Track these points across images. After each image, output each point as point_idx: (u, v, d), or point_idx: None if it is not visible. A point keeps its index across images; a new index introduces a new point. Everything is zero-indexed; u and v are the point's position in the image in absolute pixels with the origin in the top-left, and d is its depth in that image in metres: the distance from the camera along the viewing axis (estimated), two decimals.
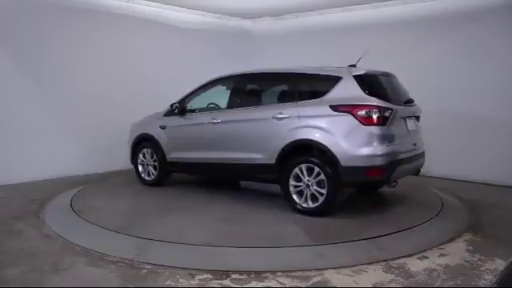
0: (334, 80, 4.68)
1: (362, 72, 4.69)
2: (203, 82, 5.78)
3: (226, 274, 3.32)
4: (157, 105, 6.22)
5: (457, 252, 3.83)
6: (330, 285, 3.17)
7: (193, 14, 8.40)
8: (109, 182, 6.58)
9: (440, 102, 6.67)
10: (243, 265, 3.48)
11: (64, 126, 6.89)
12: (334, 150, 4.43)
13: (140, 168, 6.25)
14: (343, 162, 4.39)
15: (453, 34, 6.79)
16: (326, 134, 4.49)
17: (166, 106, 6.00)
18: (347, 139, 4.42)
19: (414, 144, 4.93)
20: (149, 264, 3.49)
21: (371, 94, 4.50)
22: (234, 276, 3.29)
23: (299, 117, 4.71)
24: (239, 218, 4.62)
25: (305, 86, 4.99)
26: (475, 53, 6.57)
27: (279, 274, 3.32)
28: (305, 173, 4.64)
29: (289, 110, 4.80)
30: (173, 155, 5.87)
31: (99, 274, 3.35)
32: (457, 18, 6.74)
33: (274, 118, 4.87)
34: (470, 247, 3.95)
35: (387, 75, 5.02)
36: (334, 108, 4.51)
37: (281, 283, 3.18)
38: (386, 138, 4.43)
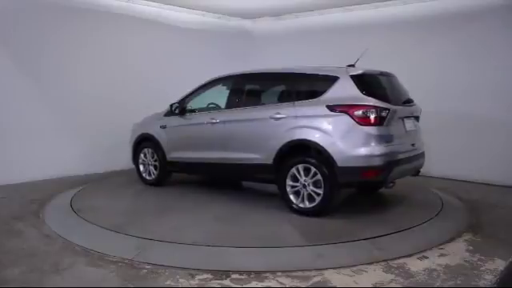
0: (331, 80, 4.67)
1: (359, 72, 4.67)
2: (203, 82, 5.79)
3: (226, 273, 3.32)
4: (157, 105, 6.23)
5: (457, 252, 3.83)
6: (329, 285, 3.17)
7: (193, 13, 8.40)
8: (109, 181, 6.58)
9: (440, 101, 6.68)
10: (243, 265, 3.48)
11: (64, 126, 6.89)
12: (330, 150, 4.42)
13: (141, 167, 6.28)
14: (339, 163, 4.38)
15: (453, 34, 6.79)
16: (323, 134, 4.49)
17: (165, 106, 6.00)
18: (343, 139, 4.41)
19: (413, 144, 4.89)
20: (149, 264, 3.49)
21: (368, 93, 4.49)
22: (234, 276, 3.29)
23: (296, 117, 4.71)
24: (236, 218, 4.63)
25: (302, 86, 4.99)
26: (475, 53, 6.57)
27: (279, 273, 3.32)
28: (302, 173, 4.64)
29: (286, 110, 4.79)
30: (173, 155, 5.88)
31: (99, 273, 3.35)
32: (457, 18, 6.74)
33: (272, 118, 4.87)
34: (470, 247, 3.95)
35: (386, 75, 5.00)
36: (331, 108, 4.50)
37: (281, 283, 3.18)
38: (382, 139, 4.41)
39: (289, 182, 4.73)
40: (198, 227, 4.30)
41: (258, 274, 3.30)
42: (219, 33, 8.83)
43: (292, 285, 3.16)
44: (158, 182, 6.10)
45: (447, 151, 6.67)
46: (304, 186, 4.63)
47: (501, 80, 6.35)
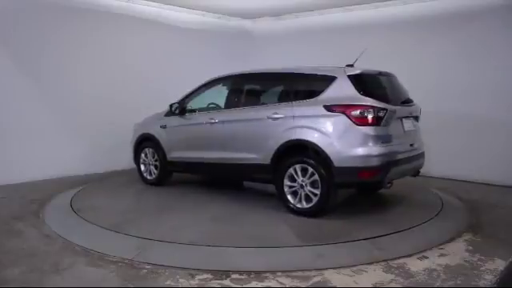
0: (328, 80, 4.66)
1: (356, 72, 4.66)
2: (203, 82, 5.80)
3: (226, 273, 3.32)
4: (157, 105, 6.23)
5: (457, 252, 3.82)
6: (330, 285, 3.17)
7: (193, 13, 8.40)
8: (110, 181, 6.59)
9: (440, 101, 6.68)
10: (243, 265, 3.48)
11: (64, 126, 6.89)
12: (327, 150, 4.41)
13: (142, 167, 6.30)
14: (336, 163, 4.37)
15: (453, 34, 6.79)
16: (320, 135, 4.48)
17: (165, 106, 6.01)
18: (340, 139, 4.39)
19: (411, 145, 4.87)
20: (149, 264, 3.49)
21: (366, 93, 4.47)
22: (234, 276, 3.29)
23: (294, 117, 4.70)
24: (233, 218, 4.64)
25: (300, 86, 4.99)
26: (475, 53, 6.57)
27: (279, 273, 3.32)
28: (299, 173, 4.63)
29: (284, 110, 4.79)
30: (173, 155, 5.89)
31: (99, 273, 3.35)
32: (457, 18, 6.73)
33: (270, 118, 4.86)
34: (470, 247, 3.94)
35: (385, 75, 4.98)
36: (328, 108, 4.49)
37: (281, 283, 3.18)
38: (380, 139, 4.39)
39: (286, 182, 4.73)
40: (196, 227, 4.31)
41: (258, 274, 3.30)
42: (219, 33, 8.83)
43: (292, 285, 3.16)
44: (158, 182, 6.12)
45: (447, 151, 6.67)
46: (301, 187, 4.63)
47: (501, 80, 6.35)
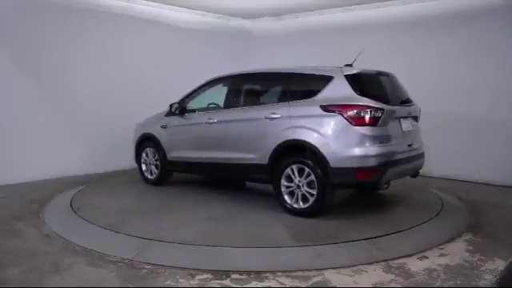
0: (325, 80, 4.65)
1: (353, 71, 4.64)
2: (203, 82, 5.81)
3: (226, 273, 3.32)
4: (157, 105, 6.24)
5: (457, 252, 3.82)
6: (330, 285, 3.17)
7: (193, 13, 8.40)
8: (110, 181, 6.60)
9: (440, 101, 6.68)
10: (243, 265, 3.48)
11: (64, 126, 6.89)
12: (323, 150, 4.39)
13: (143, 167, 6.33)
14: (332, 163, 4.35)
15: (453, 34, 6.79)
16: (316, 135, 4.46)
17: (166, 106, 6.02)
18: (336, 140, 4.38)
19: (410, 145, 4.83)
20: (149, 264, 3.49)
21: (362, 93, 4.45)
22: (234, 276, 3.29)
23: (291, 117, 4.69)
24: (230, 218, 4.64)
25: (297, 86, 4.98)
26: (475, 53, 6.57)
27: (279, 273, 3.32)
28: (296, 173, 4.63)
29: (281, 110, 4.79)
30: (173, 154, 5.91)
31: (99, 273, 3.35)
32: (457, 18, 6.73)
33: (267, 118, 4.86)
34: (470, 247, 3.94)
35: (383, 75, 4.96)
36: (324, 108, 4.48)
37: (281, 283, 3.18)
38: (376, 139, 4.36)
39: (283, 183, 4.73)
40: (189, 226, 4.32)
41: (258, 274, 3.30)
42: (219, 33, 8.83)
43: (292, 285, 3.16)
44: (159, 182, 6.14)
45: (447, 151, 6.67)
46: (298, 187, 4.62)
47: (501, 80, 6.35)
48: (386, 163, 4.42)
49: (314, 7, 8.02)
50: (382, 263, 3.53)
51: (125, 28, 7.46)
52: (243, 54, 8.62)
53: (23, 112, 6.40)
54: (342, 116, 4.36)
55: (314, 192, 4.49)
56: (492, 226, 4.58)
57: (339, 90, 4.53)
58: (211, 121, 5.42)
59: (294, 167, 4.63)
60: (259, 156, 4.90)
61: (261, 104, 5.23)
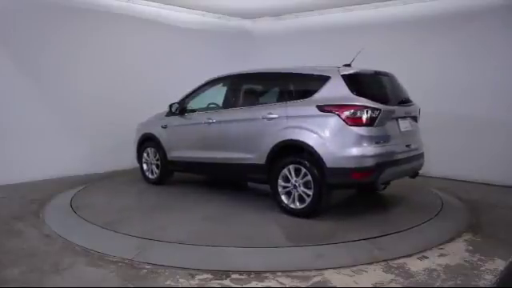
0: (322, 80, 4.63)
1: (351, 71, 4.62)
2: (203, 82, 5.81)
3: (226, 273, 3.32)
4: (157, 105, 6.25)
5: (457, 252, 3.82)
6: (330, 285, 3.17)
7: (193, 13, 8.40)
8: (111, 181, 6.60)
9: (440, 101, 6.68)
10: (243, 265, 3.48)
11: (64, 126, 6.89)
12: (319, 150, 4.38)
13: (145, 166, 6.36)
14: (329, 163, 4.34)
15: (453, 34, 6.79)
16: (313, 135, 4.45)
17: (165, 106, 6.02)
18: (333, 140, 4.36)
19: (408, 145, 4.79)
20: (149, 264, 3.49)
21: (359, 93, 4.43)
22: (234, 276, 3.29)
23: (288, 117, 4.69)
24: (227, 218, 4.65)
25: (295, 86, 4.97)
26: (475, 53, 6.57)
27: (279, 274, 3.32)
28: (293, 173, 4.62)
29: (278, 110, 4.78)
30: (173, 154, 5.92)
31: (99, 273, 3.35)
32: (457, 18, 6.74)
33: (265, 118, 4.86)
34: (470, 247, 3.94)
35: (382, 74, 4.93)
36: (321, 108, 4.46)
37: (281, 283, 3.18)
38: (373, 139, 4.34)
39: (280, 183, 4.72)
40: (184, 226, 4.33)
41: (258, 274, 3.30)
42: (219, 33, 8.83)
43: (292, 285, 3.16)
44: (159, 181, 6.17)
45: (447, 151, 6.67)
46: (295, 187, 4.61)
47: (501, 80, 6.35)
48: (383, 164, 4.39)
49: (314, 7, 8.02)
50: (382, 263, 3.53)
51: (125, 28, 7.46)
52: (243, 54, 8.62)
53: (23, 112, 6.40)
54: (338, 116, 4.34)
55: (311, 192, 4.48)
56: (492, 226, 4.58)
57: (336, 89, 4.51)
58: (210, 121, 5.43)
59: (291, 167, 4.62)
60: (257, 156, 4.90)
61: (259, 104, 5.22)
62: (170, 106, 5.90)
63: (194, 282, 3.20)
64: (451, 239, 4.13)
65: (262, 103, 5.22)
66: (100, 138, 7.08)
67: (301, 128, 4.55)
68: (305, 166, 4.51)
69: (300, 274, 3.32)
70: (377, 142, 4.37)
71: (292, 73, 5.05)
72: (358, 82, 4.57)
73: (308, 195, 4.51)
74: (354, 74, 4.60)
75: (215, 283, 3.19)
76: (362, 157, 4.29)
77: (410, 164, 4.84)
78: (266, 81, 5.47)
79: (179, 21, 8.23)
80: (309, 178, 4.48)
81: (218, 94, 5.69)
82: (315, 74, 4.79)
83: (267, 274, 3.30)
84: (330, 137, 4.37)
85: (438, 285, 3.18)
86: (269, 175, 4.83)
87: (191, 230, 4.20)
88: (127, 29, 7.48)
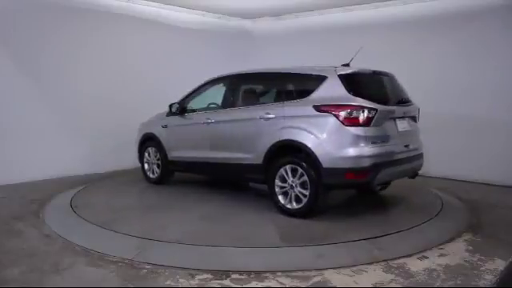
0: (319, 80, 4.62)
1: (347, 71, 4.60)
2: (203, 82, 5.82)
3: (226, 273, 3.32)
4: (157, 105, 6.25)
5: (457, 252, 3.82)
6: (329, 285, 3.17)
7: (193, 13, 8.41)
8: (111, 181, 6.61)
9: (440, 101, 6.68)
10: (243, 265, 3.48)
11: (64, 126, 6.89)
12: (316, 150, 4.36)
13: (146, 166, 6.38)
14: (325, 164, 4.32)
15: (453, 34, 6.79)
16: (309, 135, 4.43)
17: (165, 106, 6.02)
18: (329, 140, 4.34)
19: (406, 145, 4.76)
20: (149, 264, 3.49)
21: (356, 93, 4.40)
22: (234, 276, 3.29)
23: (285, 117, 4.68)
24: (225, 218, 4.65)
25: (292, 86, 4.99)
26: (475, 53, 6.57)
27: (279, 274, 3.32)
28: (289, 174, 4.61)
29: (276, 110, 4.78)
30: (173, 154, 5.94)
31: (99, 273, 3.35)
32: (457, 18, 6.74)
33: (262, 118, 4.86)
34: (470, 247, 3.94)
35: (380, 74, 4.91)
36: (317, 108, 4.45)
37: (281, 283, 3.18)
38: (369, 139, 4.31)
39: (277, 183, 4.72)
40: (181, 226, 4.34)
41: (258, 274, 3.30)
42: (219, 33, 8.83)
43: (292, 285, 3.16)
44: (160, 181, 6.19)
45: (447, 151, 6.67)
46: (291, 187, 4.61)
47: (501, 80, 6.35)
48: (380, 164, 4.37)
49: (314, 7, 8.02)
50: (382, 263, 3.53)
51: (125, 28, 7.46)
52: (243, 54, 8.62)
53: (23, 112, 6.40)
54: (335, 116, 4.33)
55: (307, 192, 4.47)
56: (492, 226, 4.58)
57: (332, 89, 4.49)
58: (209, 121, 5.43)
59: (288, 167, 4.62)
60: (254, 156, 4.90)
61: (257, 104, 5.21)
62: (170, 105, 5.91)
63: (193, 282, 3.20)
64: (451, 239, 4.13)
65: (259, 103, 5.22)
66: (100, 137, 7.08)
67: (297, 128, 4.54)
68: (301, 167, 4.50)
69: (300, 273, 3.32)
70: (373, 143, 4.35)
71: (289, 73, 5.05)
72: (355, 82, 4.55)
73: (304, 195, 4.50)
74: (351, 74, 4.58)
75: (215, 283, 3.19)
76: (358, 157, 4.27)
77: (408, 164, 4.82)
78: (263, 81, 5.47)
79: (179, 21, 8.24)
80: (305, 178, 4.47)
81: (218, 94, 5.69)
82: (312, 73, 4.78)
83: (267, 274, 3.30)
84: (327, 137, 4.36)
85: (437, 285, 3.18)
86: (266, 175, 4.83)
87: (191, 230, 4.20)
88: (127, 29, 7.49)
